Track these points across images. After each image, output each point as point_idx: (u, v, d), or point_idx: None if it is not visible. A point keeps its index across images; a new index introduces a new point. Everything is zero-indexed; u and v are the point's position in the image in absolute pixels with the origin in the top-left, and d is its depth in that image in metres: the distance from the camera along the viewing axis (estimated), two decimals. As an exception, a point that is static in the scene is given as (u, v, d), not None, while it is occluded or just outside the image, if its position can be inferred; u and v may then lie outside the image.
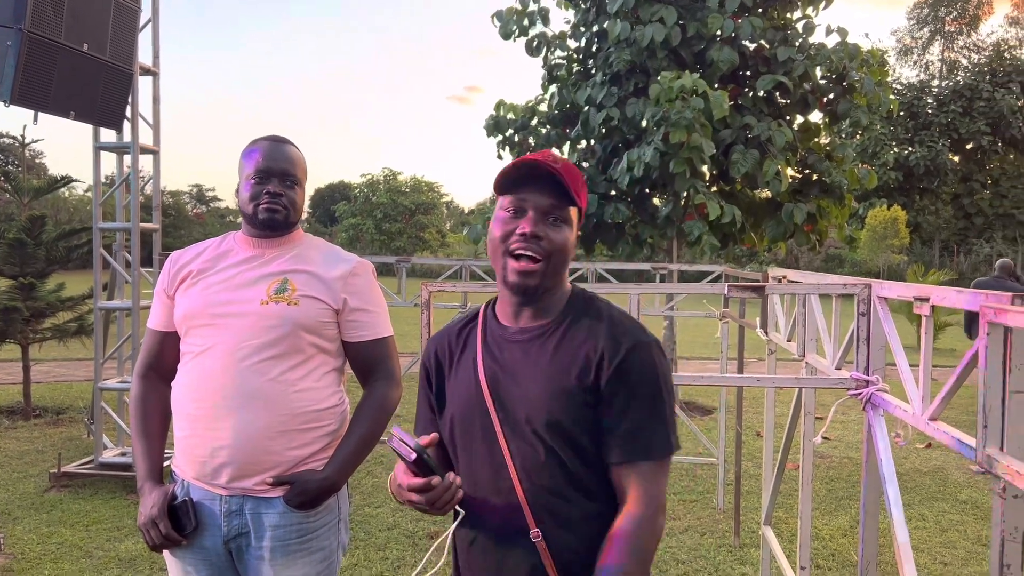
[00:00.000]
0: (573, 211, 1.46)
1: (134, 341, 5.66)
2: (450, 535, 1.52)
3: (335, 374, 2.13)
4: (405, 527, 4.89)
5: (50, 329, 7.74)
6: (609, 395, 1.38)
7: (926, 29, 44.89)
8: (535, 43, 8.36)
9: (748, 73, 7.96)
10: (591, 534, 1.38)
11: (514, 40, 8.38)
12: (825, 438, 6.91)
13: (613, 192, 8.07)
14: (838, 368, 2.73)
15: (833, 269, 35.45)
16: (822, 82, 7.88)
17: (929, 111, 40.46)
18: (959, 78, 42.14)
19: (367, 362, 2.14)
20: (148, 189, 6.60)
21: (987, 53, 42.89)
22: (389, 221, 28.85)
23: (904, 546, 2.07)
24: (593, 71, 8.55)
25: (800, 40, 7.76)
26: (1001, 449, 1.47)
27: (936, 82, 43.32)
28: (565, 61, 8.64)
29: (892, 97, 7.83)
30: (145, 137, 5.83)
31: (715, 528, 5.03)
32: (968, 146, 40.69)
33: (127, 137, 5.75)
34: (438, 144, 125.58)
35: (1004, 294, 1.50)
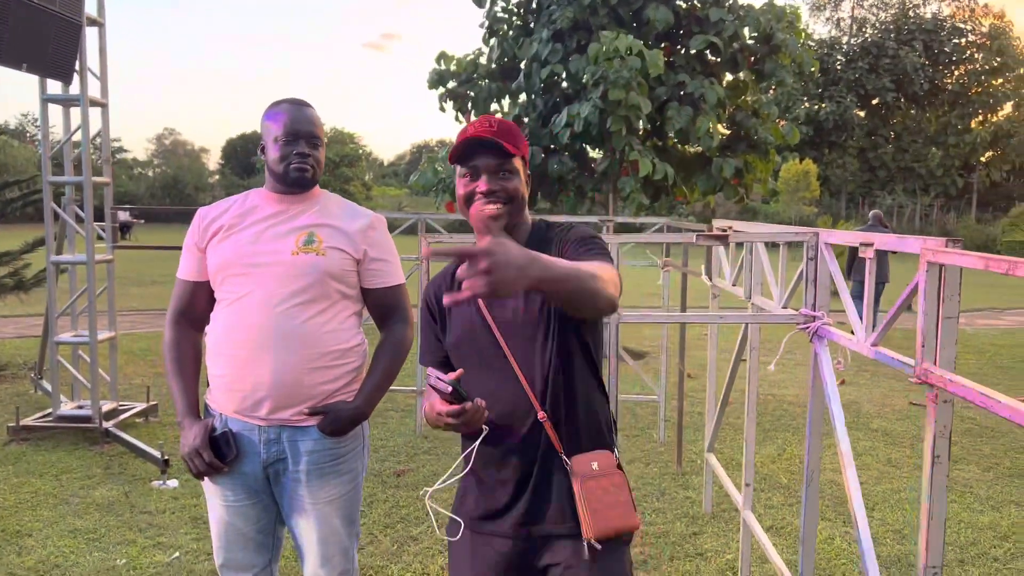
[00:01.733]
0: (517, 160, 1.78)
1: (90, 295, 5.69)
2: (476, 447, 1.82)
3: (356, 317, 2.37)
4: (372, 467, 5.16)
5: (-14, 284, 7.60)
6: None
7: (837, -14, 46.22)
8: (479, -5, 8.48)
9: (681, 32, 8.29)
10: (587, 408, 1.76)
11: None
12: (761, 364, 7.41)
13: (554, 146, 8.34)
14: (784, 308, 3.11)
15: (748, 220, 36.81)
16: (750, 42, 8.27)
17: (839, 67, 41.96)
18: (867, 35, 43.72)
19: (384, 307, 2.39)
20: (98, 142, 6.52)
21: (893, 11, 44.58)
22: (312, 173, 28.33)
23: (847, 454, 2.47)
24: (533, 26, 8.73)
25: (730, 2, 8.13)
26: (935, 364, 1.84)
27: (846, 39, 44.87)
28: (506, 15, 8.78)
29: (813, 59, 8.29)
30: (93, 90, 5.77)
31: (658, 459, 5.48)
32: (874, 102, 42.45)
33: (74, 89, 5.69)
34: (354, 94, 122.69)
35: (940, 239, 1.85)
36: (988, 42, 40.34)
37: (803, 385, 7.53)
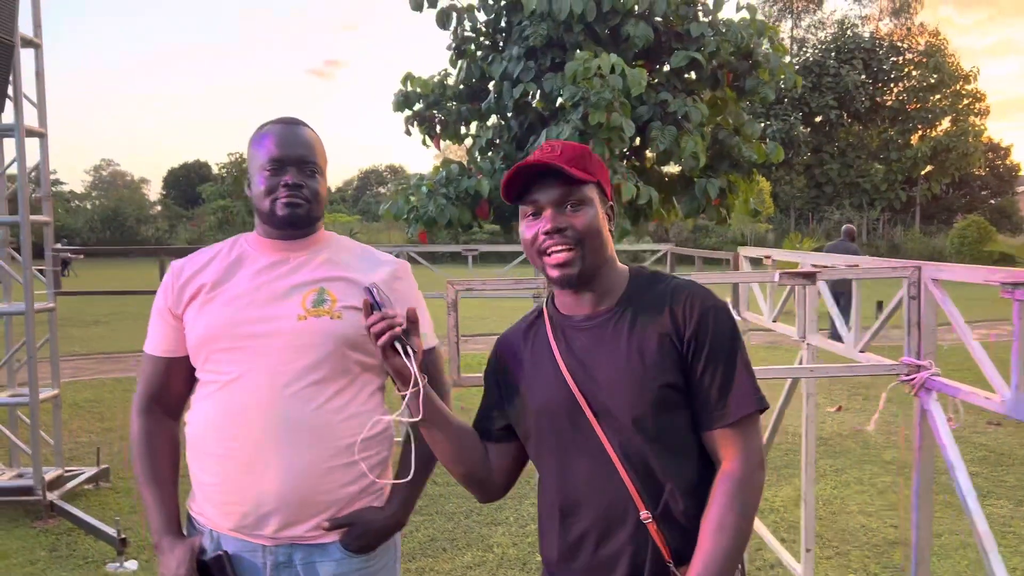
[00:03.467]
0: (589, 189, 1.47)
1: (29, 349, 5.02)
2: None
3: (380, 394, 1.86)
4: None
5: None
6: (691, 363, 1.41)
7: (775, 7, 47.14)
8: (446, 15, 8.04)
9: (660, 49, 7.96)
10: (695, 506, 1.41)
11: (422, 11, 8.03)
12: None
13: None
14: (862, 352, 2.69)
15: (701, 239, 36.94)
16: (730, 58, 7.99)
17: (782, 86, 42.65)
18: (808, 54, 44.60)
19: None
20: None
21: (832, 30, 45.60)
22: (261, 202, 27.46)
23: (986, 535, 2.04)
24: (501, 45, 8.33)
25: (711, 16, 7.84)
26: None
27: (787, 59, 45.75)
28: (473, 35, 8.37)
29: (795, 75, 8.05)
30: (29, 118, 5.14)
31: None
32: (818, 119, 43.22)
33: (7, 117, 5.06)
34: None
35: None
36: (925, 60, 41.43)
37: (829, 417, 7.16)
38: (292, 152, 1.75)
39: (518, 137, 8.04)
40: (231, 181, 27.85)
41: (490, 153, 8.29)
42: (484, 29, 8.40)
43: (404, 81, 8.15)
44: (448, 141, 8.53)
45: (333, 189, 41.71)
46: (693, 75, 8.06)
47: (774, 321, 3.60)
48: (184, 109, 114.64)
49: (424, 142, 8.49)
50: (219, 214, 27.76)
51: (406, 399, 1.54)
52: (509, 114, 8.16)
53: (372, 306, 1.52)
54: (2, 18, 4.61)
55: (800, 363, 3.27)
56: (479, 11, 8.29)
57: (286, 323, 1.70)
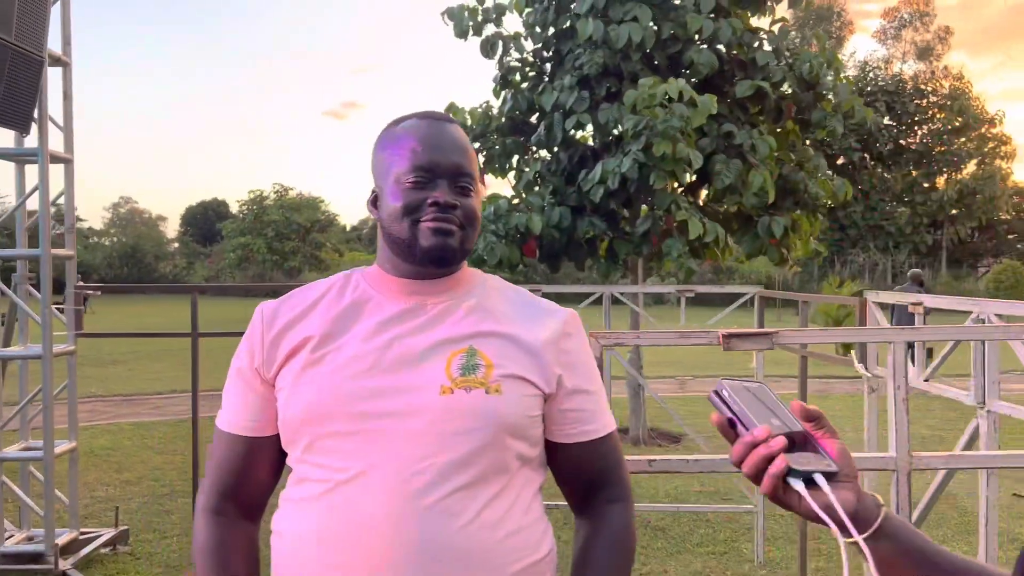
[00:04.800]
0: None
1: (45, 398, 4.50)
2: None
3: (539, 497, 1.32)
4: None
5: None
6: None
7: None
8: (491, 43, 7.63)
9: (723, 78, 7.50)
10: None
11: (466, 40, 7.63)
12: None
13: (582, 206, 7.42)
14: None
15: (722, 279, 36.37)
16: (795, 89, 7.52)
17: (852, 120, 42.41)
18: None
19: (590, 473, 1.33)
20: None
21: (852, 72, 45.45)
22: (281, 240, 27.17)
23: None
24: (548, 74, 7.91)
25: (776, 44, 7.39)
26: None
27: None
28: (520, 64, 7.94)
29: (866, 107, 7.57)
30: (54, 143, 4.70)
31: (766, 588, 4.40)
32: (839, 161, 42.84)
33: (28, 141, 4.62)
34: (316, 161, 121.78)
35: None
36: (949, 103, 41.09)
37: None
38: (444, 159, 1.24)
39: (568, 171, 7.56)
40: (251, 218, 27.60)
41: (537, 188, 7.80)
42: (531, 59, 7.97)
43: (448, 112, 7.72)
44: (492, 175, 8.06)
45: (348, 228, 41.39)
46: (755, 106, 7.57)
47: (926, 381, 3.04)
48: (200, 148, 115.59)
49: (467, 176, 8.04)
50: (239, 251, 27.46)
51: (844, 564, 0.81)
52: (556, 147, 7.69)
53: (731, 422, 0.92)
54: (30, 30, 4.17)
55: (977, 433, 2.70)
56: (526, 39, 7.88)
57: (425, 398, 1.17)
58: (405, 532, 1.13)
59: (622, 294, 5.53)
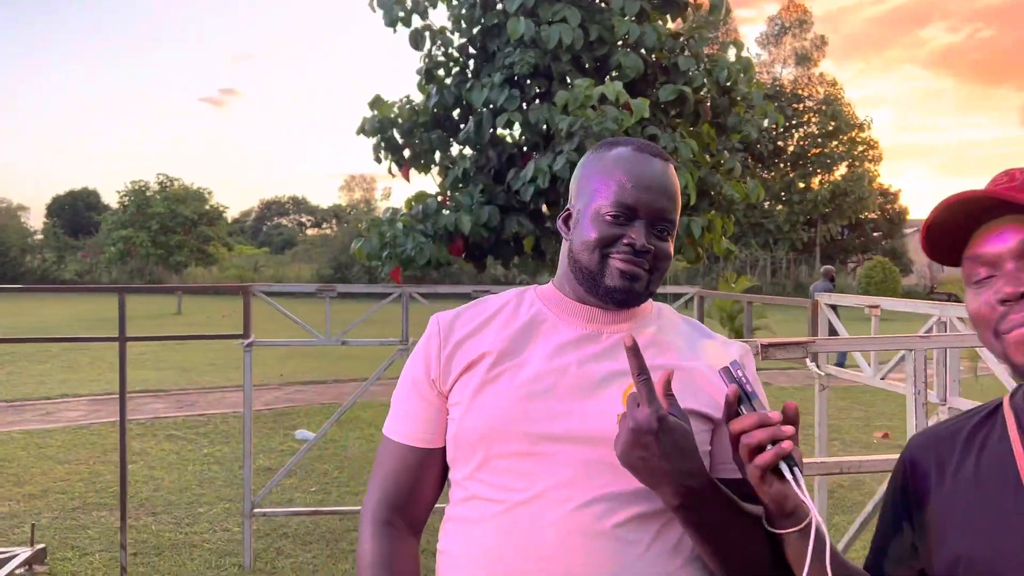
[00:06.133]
0: None
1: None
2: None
3: None
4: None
5: None
6: None
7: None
8: (419, 35, 7.52)
9: (645, 82, 7.66)
10: None
11: (395, 30, 7.50)
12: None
13: (509, 205, 7.42)
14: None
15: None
16: (713, 94, 7.77)
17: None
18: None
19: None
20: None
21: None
22: (166, 233, 25.87)
23: None
24: (474, 70, 7.86)
25: (697, 50, 7.61)
26: None
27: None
28: (445, 59, 7.86)
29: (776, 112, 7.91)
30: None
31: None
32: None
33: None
34: (192, 149, 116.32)
35: None
36: (823, 107, 43.51)
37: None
38: (650, 201, 1.23)
39: (497, 169, 7.54)
40: (133, 210, 26.13)
41: (462, 186, 7.75)
42: (456, 55, 7.90)
43: (373, 105, 7.55)
44: (416, 171, 7.95)
45: (230, 220, 39.94)
46: (674, 109, 7.78)
47: (882, 379, 3.21)
48: (63, 135, 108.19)
49: (390, 170, 7.89)
50: (119, 244, 25.94)
51: (808, 552, 1.06)
52: (484, 146, 7.66)
53: (740, 399, 1.09)
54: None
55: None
56: (453, 34, 7.80)
57: (603, 426, 1.15)
58: (582, 558, 1.12)
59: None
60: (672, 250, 1.28)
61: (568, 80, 7.21)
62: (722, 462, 1.25)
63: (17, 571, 4.51)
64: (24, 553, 4.60)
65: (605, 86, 6.27)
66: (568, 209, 1.32)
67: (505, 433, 1.18)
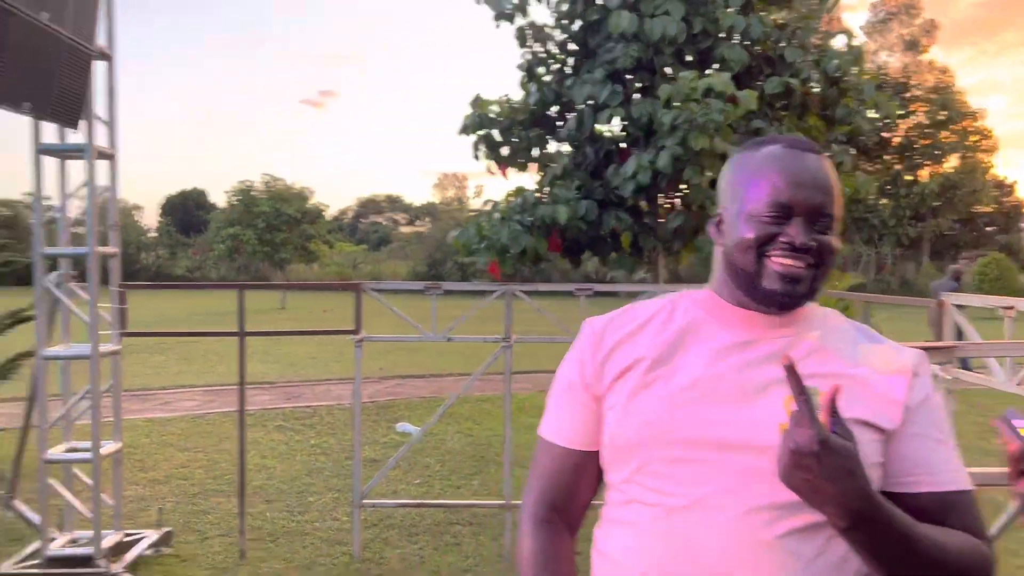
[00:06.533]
0: None
1: (94, 396, 4.40)
2: None
3: None
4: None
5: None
6: None
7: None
8: (523, 33, 7.58)
9: (751, 75, 7.48)
10: None
11: (498, 26, 7.57)
12: None
13: (608, 200, 7.38)
14: None
15: (699, 272, 36.60)
16: (821, 85, 7.52)
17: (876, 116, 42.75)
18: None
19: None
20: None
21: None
22: (272, 231, 26.89)
23: None
24: (574, 67, 7.85)
25: (804, 41, 7.38)
26: None
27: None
28: (546, 56, 7.88)
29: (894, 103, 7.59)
30: (99, 138, 4.58)
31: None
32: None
33: (72, 136, 4.50)
34: (293, 149, 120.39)
35: None
36: (933, 96, 41.45)
37: None
38: (806, 197, 1.18)
39: (595, 166, 7.51)
40: (241, 209, 27.26)
41: (560, 182, 7.75)
42: (557, 52, 7.91)
43: (474, 104, 7.63)
44: (515, 169, 8.00)
45: (329, 218, 41.10)
46: (781, 102, 7.57)
47: (1019, 385, 3.04)
48: (171, 138, 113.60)
49: (489, 169, 7.97)
50: (227, 242, 27.14)
51: None
52: (584, 142, 7.64)
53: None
54: (81, 23, 4.05)
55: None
56: (554, 30, 7.81)
57: (765, 435, 1.12)
58: (745, 567, 1.10)
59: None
60: (838, 244, 1.22)
61: (671, 74, 7.11)
62: (897, 476, 1.18)
63: (146, 552, 4.78)
64: (153, 536, 4.87)
65: (712, 78, 6.15)
66: (719, 214, 1.29)
67: (660, 439, 1.17)
